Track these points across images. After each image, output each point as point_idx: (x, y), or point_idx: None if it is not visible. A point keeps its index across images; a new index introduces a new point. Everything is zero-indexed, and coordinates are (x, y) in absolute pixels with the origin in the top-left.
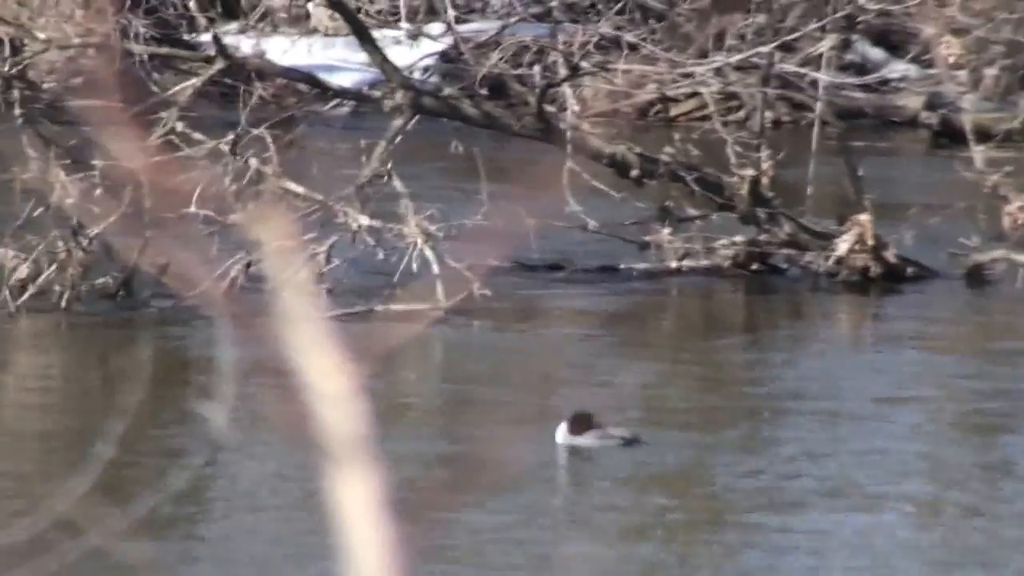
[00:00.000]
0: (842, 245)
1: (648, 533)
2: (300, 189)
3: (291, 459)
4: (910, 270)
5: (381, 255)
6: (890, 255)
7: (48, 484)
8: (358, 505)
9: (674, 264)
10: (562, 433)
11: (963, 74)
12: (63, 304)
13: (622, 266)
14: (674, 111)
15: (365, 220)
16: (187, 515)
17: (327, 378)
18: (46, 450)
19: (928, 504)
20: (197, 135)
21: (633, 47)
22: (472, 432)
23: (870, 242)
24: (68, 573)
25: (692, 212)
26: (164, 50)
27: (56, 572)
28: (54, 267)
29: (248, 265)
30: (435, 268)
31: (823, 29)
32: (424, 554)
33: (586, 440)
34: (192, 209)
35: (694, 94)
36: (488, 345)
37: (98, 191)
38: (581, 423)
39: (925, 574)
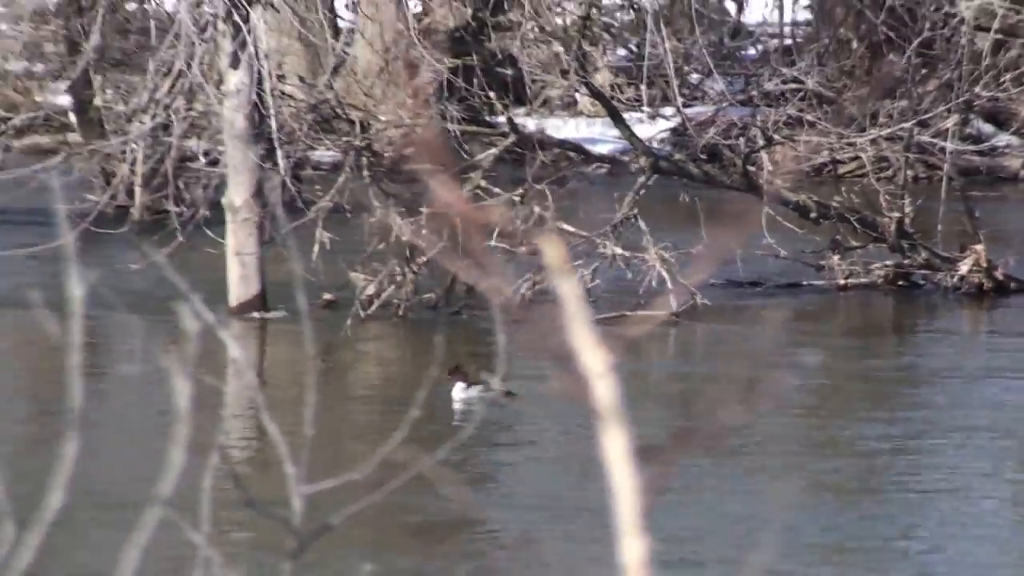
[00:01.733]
0: (963, 267)
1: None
2: (571, 228)
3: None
4: (1013, 285)
5: (630, 276)
6: (999, 274)
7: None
8: (619, 456)
9: (842, 281)
10: (459, 389)
11: None
12: (400, 313)
13: (804, 283)
14: (842, 170)
15: (619, 250)
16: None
17: (593, 358)
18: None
19: None
20: (496, 190)
21: (811, 124)
22: (695, 400)
23: (984, 264)
24: None
25: (855, 243)
26: (471, 128)
27: None
28: (393, 286)
29: (534, 284)
30: (669, 285)
31: (949, 111)
32: (660, 492)
33: (477, 392)
34: (492, 243)
35: (856, 158)
36: (710, 339)
37: (424, 230)
38: (466, 376)
39: None
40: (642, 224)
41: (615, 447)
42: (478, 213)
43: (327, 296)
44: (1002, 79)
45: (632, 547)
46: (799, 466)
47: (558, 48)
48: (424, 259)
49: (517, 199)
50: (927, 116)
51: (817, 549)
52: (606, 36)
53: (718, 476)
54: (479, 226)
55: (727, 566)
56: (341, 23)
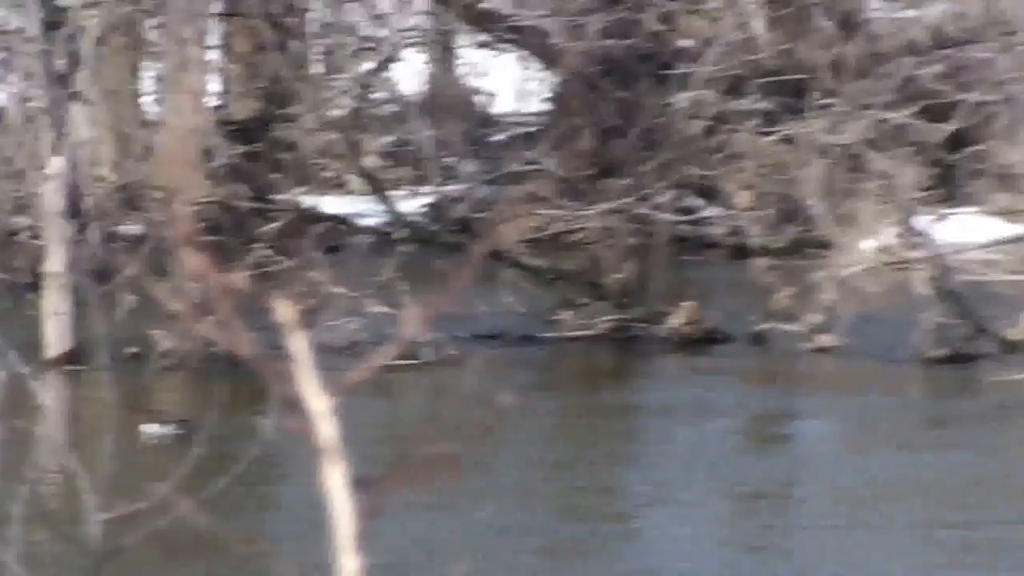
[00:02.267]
0: (675, 320)
1: None
2: (342, 289)
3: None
4: (718, 335)
5: (388, 330)
6: (705, 326)
7: None
8: (338, 485)
9: (572, 333)
10: (149, 426)
11: (751, 214)
12: (193, 365)
13: (539, 335)
14: (573, 238)
15: (381, 307)
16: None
17: (317, 402)
18: None
19: None
20: (279, 258)
21: (548, 199)
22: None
23: (693, 318)
24: None
25: (583, 301)
26: (259, 205)
27: None
28: (184, 342)
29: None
30: (411, 336)
31: (665, 187)
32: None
33: (162, 429)
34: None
35: (585, 228)
36: (444, 384)
37: (179, 293)
38: (160, 416)
39: None
40: (402, 285)
41: (335, 478)
42: (223, 278)
43: (131, 350)
44: (710, 160)
45: (348, 564)
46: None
47: (333, 136)
48: (213, 318)
49: (295, 265)
50: (646, 192)
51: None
52: (374, 125)
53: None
54: (225, 290)
55: None
56: (148, 116)
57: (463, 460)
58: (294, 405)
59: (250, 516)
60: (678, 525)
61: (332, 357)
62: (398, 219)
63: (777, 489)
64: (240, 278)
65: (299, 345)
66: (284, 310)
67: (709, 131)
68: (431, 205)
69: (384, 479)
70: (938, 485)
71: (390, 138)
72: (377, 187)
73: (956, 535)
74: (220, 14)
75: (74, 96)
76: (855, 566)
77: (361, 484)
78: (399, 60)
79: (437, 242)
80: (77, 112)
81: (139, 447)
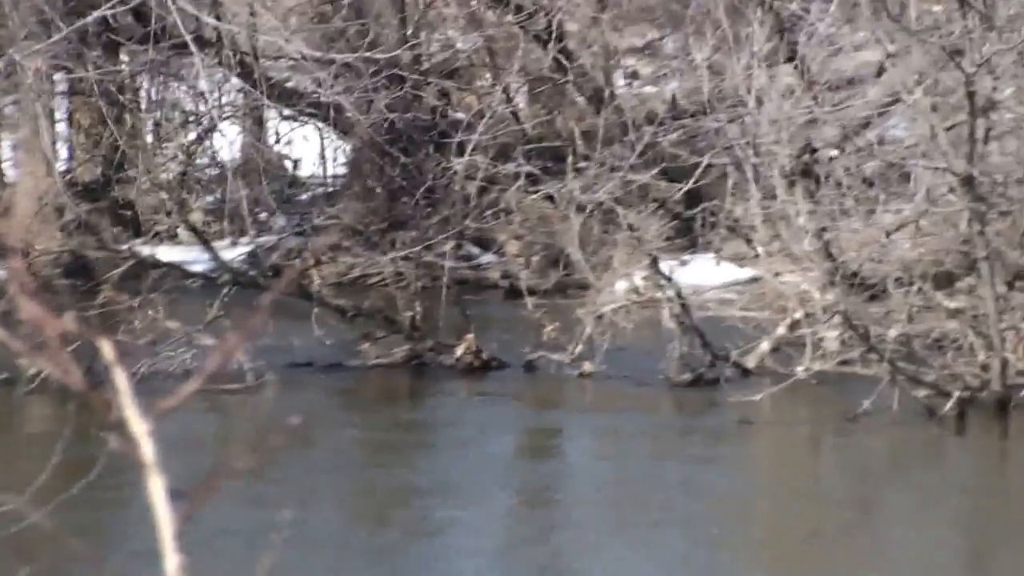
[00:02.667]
0: (459, 350)
1: None
2: (175, 324)
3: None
4: (495, 363)
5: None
6: (484, 355)
7: None
8: (159, 495)
9: (372, 362)
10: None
11: (520, 260)
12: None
13: (345, 364)
14: (371, 281)
15: (209, 341)
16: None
17: (139, 425)
18: None
19: None
20: (123, 298)
21: (348, 248)
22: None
23: (473, 349)
24: None
25: (381, 334)
26: (102, 253)
27: None
28: (45, 369)
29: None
30: (230, 362)
31: (447, 238)
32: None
33: None
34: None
35: (380, 272)
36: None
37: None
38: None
39: None
40: (226, 321)
41: (156, 489)
42: (55, 322)
43: (2, 375)
44: (484, 215)
45: (171, 561)
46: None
47: (164, 195)
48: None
49: (136, 304)
50: (431, 242)
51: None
52: (198, 186)
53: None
54: (57, 331)
55: None
56: (6, 178)
57: (262, 468)
58: (120, 428)
59: (95, 515)
60: (466, 523)
61: (169, 382)
62: (222, 266)
63: (548, 493)
64: (70, 320)
65: (120, 377)
66: (106, 347)
67: (483, 191)
68: (249, 253)
69: (195, 489)
70: (681, 488)
71: (212, 197)
72: (202, 239)
73: (702, 532)
74: (66, 92)
75: None
76: (612, 560)
77: (176, 495)
78: (218, 131)
79: (255, 285)
80: None
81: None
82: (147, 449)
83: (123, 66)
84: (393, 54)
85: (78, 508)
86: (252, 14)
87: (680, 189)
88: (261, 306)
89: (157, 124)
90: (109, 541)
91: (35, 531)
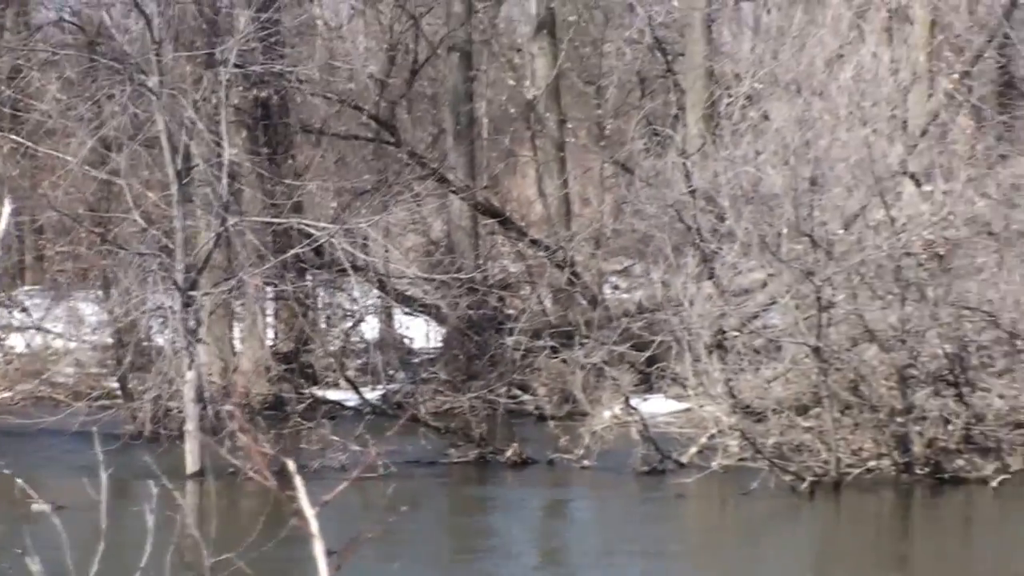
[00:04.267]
0: (508, 452)
1: None
2: (335, 438)
3: None
4: (530, 461)
5: None
6: (523, 455)
7: None
8: (320, 553)
9: (455, 460)
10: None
11: (546, 398)
12: None
13: (438, 461)
14: (456, 411)
15: (355, 448)
16: None
17: None
18: None
19: None
20: None
21: (442, 392)
22: None
23: (518, 452)
24: None
25: (461, 443)
26: None
27: None
28: None
29: None
30: None
31: (502, 384)
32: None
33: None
34: None
35: None
36: None
37: None
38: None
39: None
40: (368, 438)
41: (318, 549)
42: (255, 442)
43: None
44: (525, 371)
45: None
46: None
47: (332, 360)
48: None
49: None
50: (492, 387)
51: None
52: (352, 354)
53: None
54: (256, 447)
55: None
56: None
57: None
58: (298, 511)
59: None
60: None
61: (332, 475)
62: (365, 402)
63: (558, 530)
64: (267, 442)
65: (298, 479)
66: (289, 463)
67: (523, 357)
68: (382, 395)
69: (342, 550)
70: (641, 525)
71: (360, 361)
72: (354, 386)
73: (655, 549)
74: (273, 298)
75: None
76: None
77: (329, 553)
78: (364, 321)
79: (385, 414)
80: None
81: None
82: (313, 524)
83: (308, 282)
84: (470, 275)
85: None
86: (386, 250)
87: (644, 356)
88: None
89: (328, 318)
90: None
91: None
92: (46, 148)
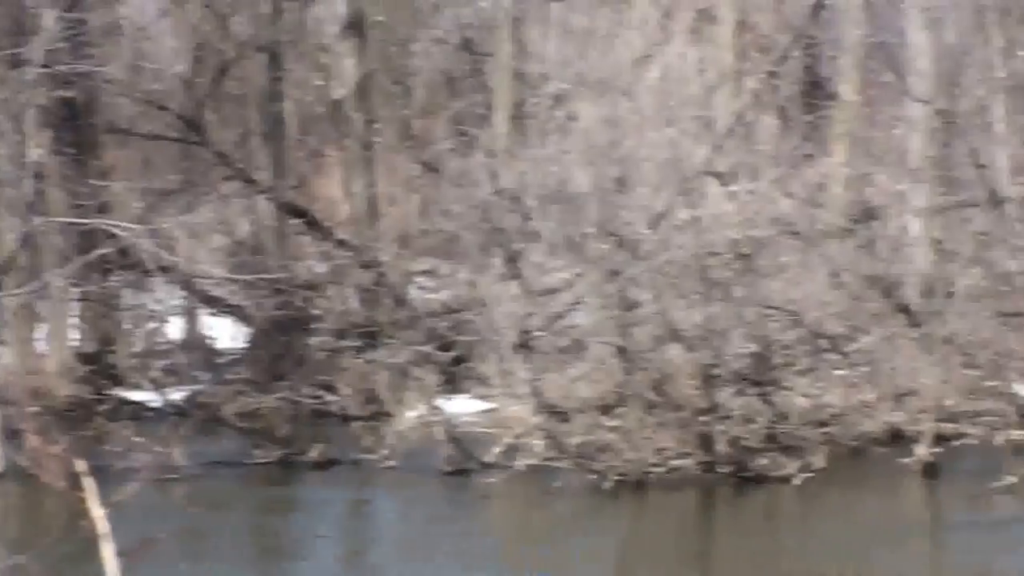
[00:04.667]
0: (313, 453)
1: None
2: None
3: None
4: (336, 462)
5: None
6: (328, 456)
7: None
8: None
9: (259, 460)
10: None
11: (352, 398)
12: None
13: (243, 461)
14: (260, 411)
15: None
16: None
17: None
18: None
19: None
20: None
21: (246, 392)
22: None
23: (323, 452)
24: None
25: (265, 443)
26: None
27: None
28: None
29: None
30: None
31: (308, 384)
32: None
33: None
34: None
35: None
36: None
37: None
38: None
39: None
40: (171, 438)
41: (107, 551)
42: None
43: None
44: (331, 372)
45: None
46: None
47: (134, 361)
48: None
49: None
50: (298, 388)
51: None
52: (155, 356)
53: None
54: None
55: None
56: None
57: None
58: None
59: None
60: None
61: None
62: (169, 403)
63: (362, 524)
64: (62, 444)
65: (89, 481)
66: (81, 464)
67: (329, 357)
68: (187, 396)
69: (132, 551)
70: (450, 523)
71: (165, 362)
72: (158, 387)
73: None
74: (78, 299)
75: None
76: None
77: (120, 553)
78: (168, 321)
79: (189, 415)
80: None
81: None
82: (103, 525)
83: (112, 282)
84: (277, 275)
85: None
86: (192, 250)
87: (449, 356)
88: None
89: (133, 319)
90: None
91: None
92: None
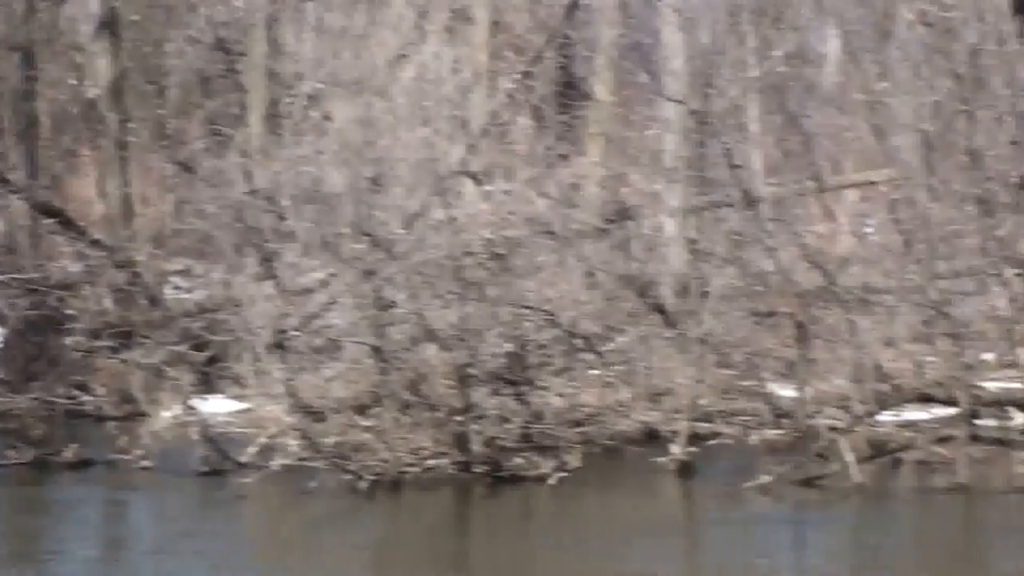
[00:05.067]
0: (67, 454)
1: None
2: None
3: None
4: (89, 462)
5: None
6: (83, 457)
7: None
8: None
9: (13, 461)
10: None
11: (106, 398)
12: None
13: None
14: (13, 412)
15: None
16: None
17: None
18: None
19: None
20: None
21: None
22: None
23: (76, 454)
24: None
25: (19, 443)
26: None
27: None
28: None
29: None
30: None
31: (63, 384)
32: None
33: None
34: None
35: None
36: None
37: None
38: None
39: None
40: None
41: None
42: None
43: None
44: (86, 371)
45: None
46: None
47: None
48: None
49: None
50: (53, 388)
51: None
52: None
53: None
54: None
55: None
56: None
57: None
58: None
59: None
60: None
61: None
62: None
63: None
64: None
65: None
66: None
67: (84, 357)
68: None
69: None
70: (202, 520)
71: None
72: None
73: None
74: None
75: None
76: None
77: None
78: None
79: None
80: None
81: None
82: None
83: None
84: (30, 275)
85: None
86: None
87: (204, 356)
88: None
89: None
90: None
91: None
92: None
